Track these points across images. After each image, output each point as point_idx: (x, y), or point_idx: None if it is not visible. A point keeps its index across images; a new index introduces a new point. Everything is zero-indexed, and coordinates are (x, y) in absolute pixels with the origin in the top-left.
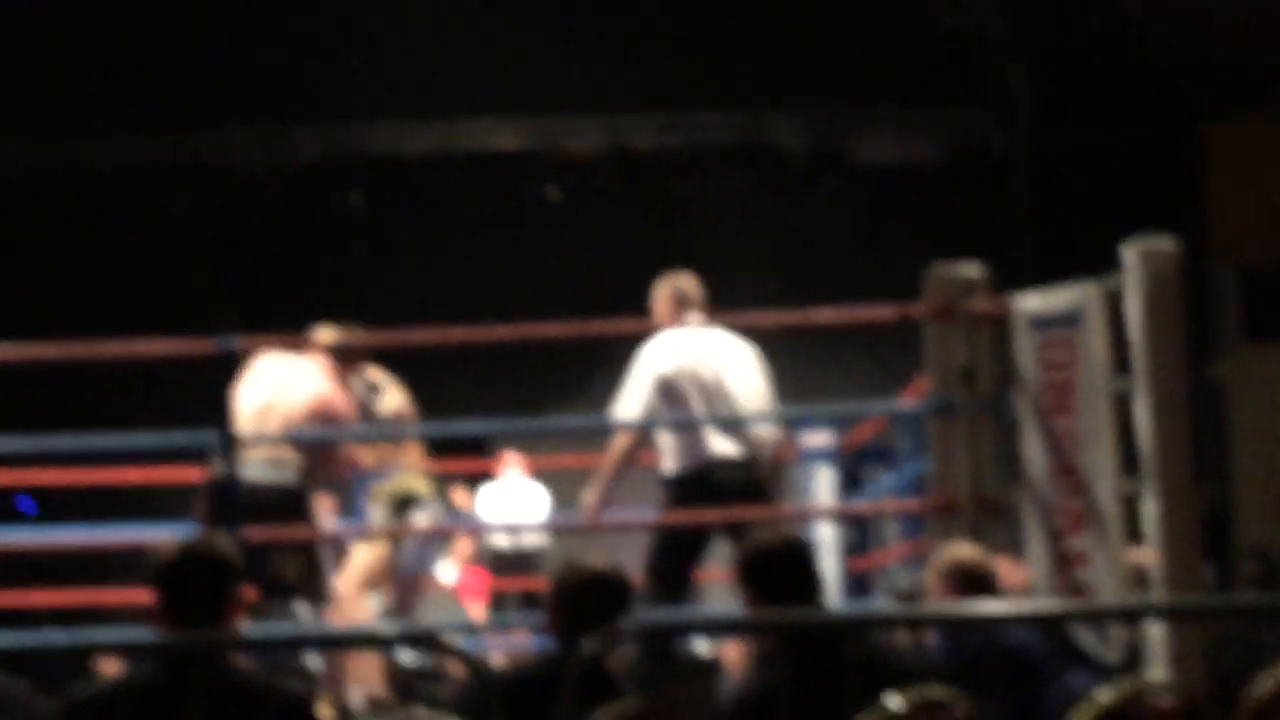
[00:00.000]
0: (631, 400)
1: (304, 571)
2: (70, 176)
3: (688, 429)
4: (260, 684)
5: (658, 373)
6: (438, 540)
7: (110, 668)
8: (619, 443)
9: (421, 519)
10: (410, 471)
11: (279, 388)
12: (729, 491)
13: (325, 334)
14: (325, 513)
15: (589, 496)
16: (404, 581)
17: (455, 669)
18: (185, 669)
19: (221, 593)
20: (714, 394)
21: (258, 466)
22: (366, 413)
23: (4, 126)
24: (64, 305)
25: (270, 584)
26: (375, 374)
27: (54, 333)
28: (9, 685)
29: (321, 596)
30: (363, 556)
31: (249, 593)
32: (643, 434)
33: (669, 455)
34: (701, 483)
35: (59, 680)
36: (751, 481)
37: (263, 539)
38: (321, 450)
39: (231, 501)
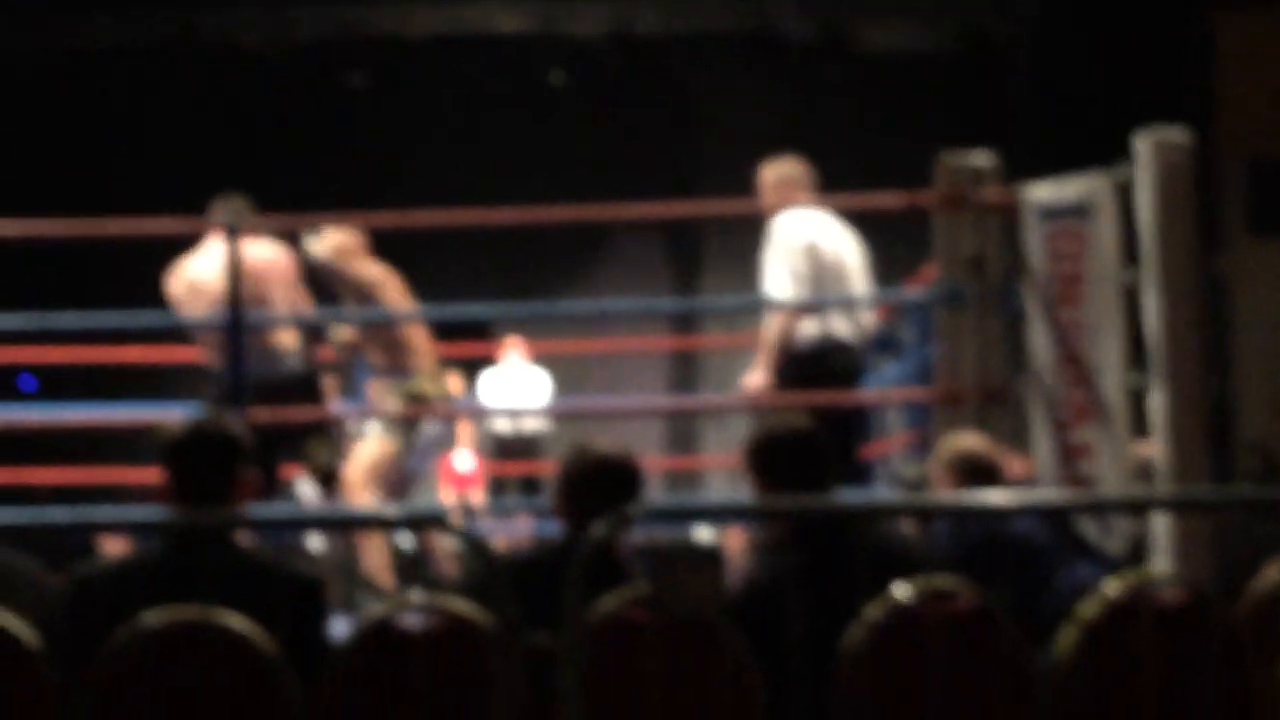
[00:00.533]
0: (793, 277)
1: (330, 455)
2: (69, 54)
3: (825, 306)
4: (269, 564)
5: (808, 246)
6: (444, 441)
7: (113, 546)
8: (780, 321)
9: (429, 427)
10: (423, 374)
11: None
12: (845, 375)
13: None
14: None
15: (755, 378)
16: (402, 479)
17: (447, 552)
18: (194, 548)
19: (230, 472)
20: (839, 275)
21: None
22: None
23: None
24: (66, 184)
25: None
26: (374, 268)
27: (57, 211)
28: (17, 562)
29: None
30: (372, 449)
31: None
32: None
33: (800, 330)
34: (819, 362)
35: (62, 558)
36: (859, 368)
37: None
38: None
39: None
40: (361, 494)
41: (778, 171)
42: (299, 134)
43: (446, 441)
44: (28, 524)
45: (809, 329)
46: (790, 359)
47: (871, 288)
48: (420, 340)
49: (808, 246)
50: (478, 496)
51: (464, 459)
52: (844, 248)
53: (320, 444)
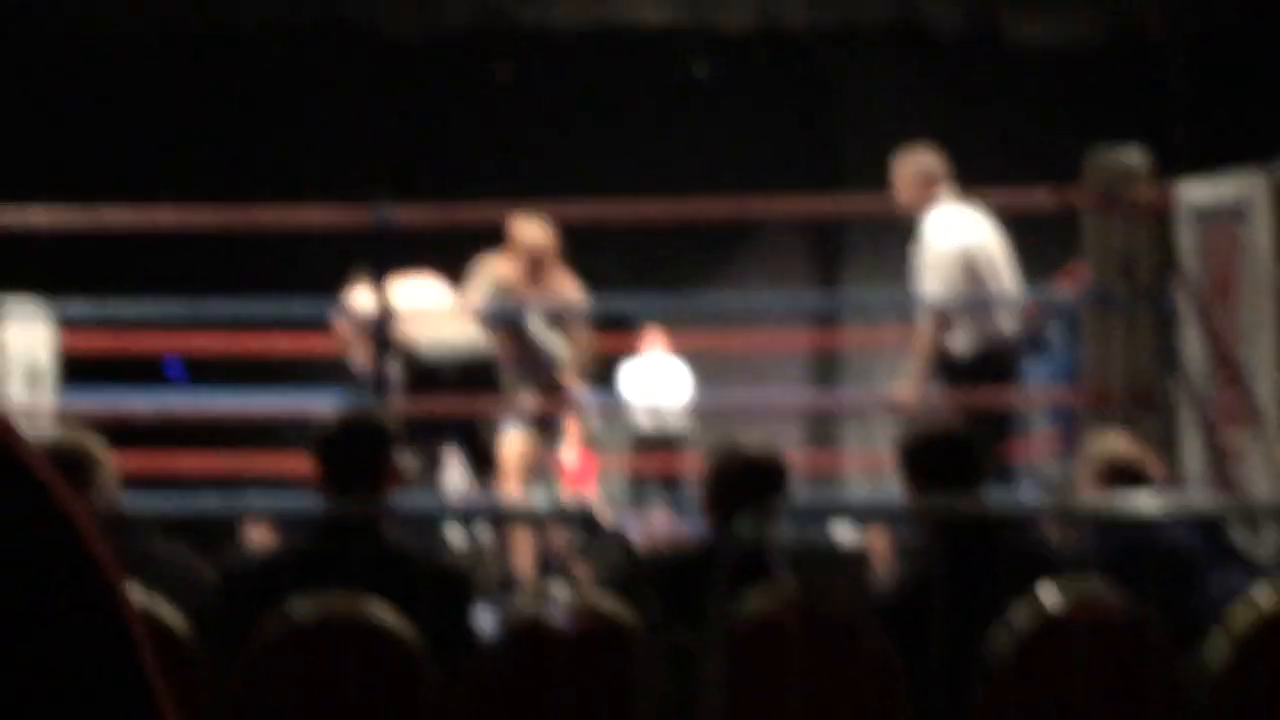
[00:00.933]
0: (946, 284)
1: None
2: (218, 36)
3: (981, 307)
4: (417, 556)
5: (963, 252)
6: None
7: (257, 534)
8: (930, 331)
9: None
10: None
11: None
12: (1003, 375)
13: (524, 229)
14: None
15: (906, 386)
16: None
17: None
18: (342, 537)
19: (379, 463)
20: (992, 273)
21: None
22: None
23: None
24: (214, 168)
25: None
26: (564, 273)
27: (206, 197)
28: (167, 550)
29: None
30: (517, 442)
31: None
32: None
33: (959, 333)
34: (988, 361)
35: (208, 544)
36: (1016, 366)
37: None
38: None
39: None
40: (515, 486)
41: (915, 164)
42: (445, 123)
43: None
44: (178, 512)
45: (964, 333)
46: (948, 365)
47: (1019, 282)
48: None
49: (961, 252)
50: (590, 492)
51: (568, 454)
52: (992, 244)
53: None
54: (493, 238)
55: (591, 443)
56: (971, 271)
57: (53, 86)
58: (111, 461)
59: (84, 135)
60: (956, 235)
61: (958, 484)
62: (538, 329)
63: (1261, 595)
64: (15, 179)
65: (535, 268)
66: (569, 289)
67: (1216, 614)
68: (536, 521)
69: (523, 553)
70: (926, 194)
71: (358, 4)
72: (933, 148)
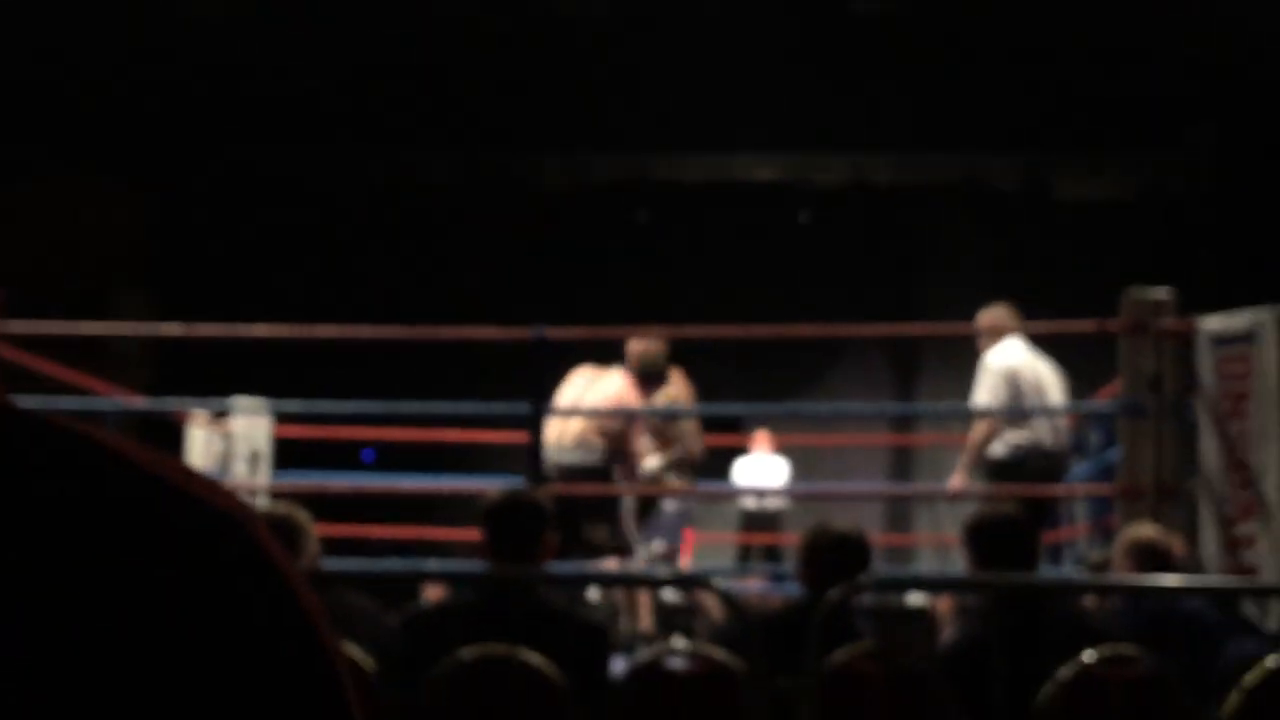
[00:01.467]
0: (993, 395)
1: (609, 535)
2: (412, 187)
3: (1022, 418)
4: (564, 611)
5: (1010, 371)
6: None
7: (434, 593)
8: (980, 432)
9: (669, 505)
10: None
11: (589, 388)
12: (1043, 476)
13: (635, 343)
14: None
15: (957, 480)
16: (669, 549)
17: (712, 608)
18: (503, 595)
19: (536, 535)
20: (1038, 393)
21: (569, 451)
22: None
23: (363, 145)
24: (406, 295)
25: (584, 546)
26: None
27: (395, 318)
28: (359, 600)
29: (626, 552)
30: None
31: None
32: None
33: (999, 441)
34: (1017, 467)
35: (394, 601)
36: (1058, 470)
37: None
38: (621, 435)
39: (538, 465)
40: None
41: (990, 315)
42: (593, 261)
43: (688, 518)
44: (368, 572)
45: (1011, 439)
46: (992, 463)
47: (1067, 402)
48: (687, 433)
49: (1008, 371)
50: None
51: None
52: (1043, 372)
53: (600, 526)
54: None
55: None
56: (1013, 390)
57: (279, 228)
58: (314, 530)
59: (303, 267)
60: (1006, 358)
61: (1011, 560)
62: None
63: (1270, 659)
64: (246, 302)
65: (644, 378)
66: (680, 392)
67: (1231, 675)
68: (658, 585)
69: (644, 611)
70: (998, 338)
71: (523, 164)
72: (1006, 302)
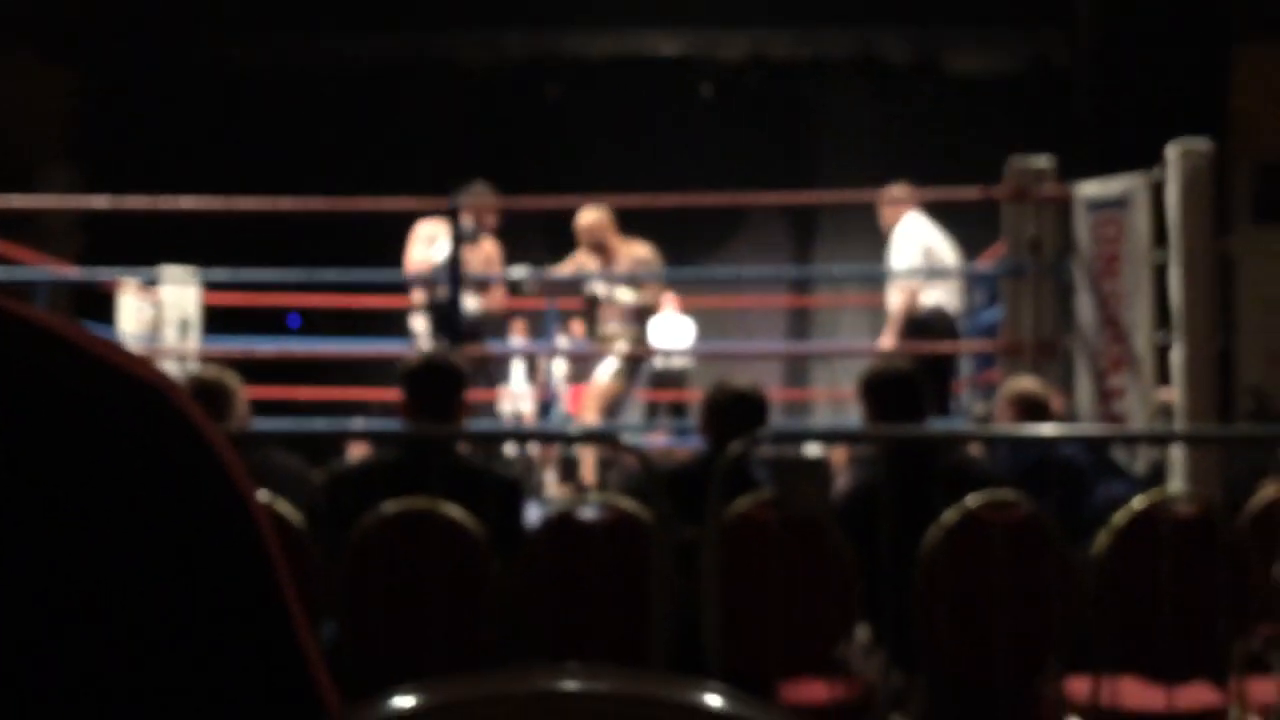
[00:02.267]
0: (909, 261)
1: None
2: (330, 68)
3: (938, 281)
4: (481, 467)
5: (924, 241)
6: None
7: (358, 450)
8: (903, 301)
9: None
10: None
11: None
12: (949, 335)
13: (584, 216)
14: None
15: (886, 340)
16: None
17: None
18: (423, 452)
19: (453, 395)
20: (943, 261)
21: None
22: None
23: (287, 27)
24: (326, 171)
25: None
26: (625, 241)
27: (320, 192)
28: (288, 459)
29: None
30: (602, 386)
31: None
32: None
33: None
34: (932, 326)
35: (320, 458)
36: (958, 331)
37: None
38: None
39: (456, 327)
40: (592, 416)
41: (891, 193)
42: (506, 135)
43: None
44: (295, 431)
45: (925, 302)
46: (910, 323)
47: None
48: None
49: (923, 241)
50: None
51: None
52: (944, 246)
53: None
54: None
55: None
56: (929, 256)
57: (201, 107)
58: (243, 392)
59: (226, 141)
60: (919, 230)
61: (904, 412)
62: (605, 292)
63: (1137, 501)
64: (174, 176)
65: (597, 246)
66: (638, 253)
67: (1101, 515)
68: (572, 441)
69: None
70: (900, 214)
71: (438, 43)
72: (905, 180)
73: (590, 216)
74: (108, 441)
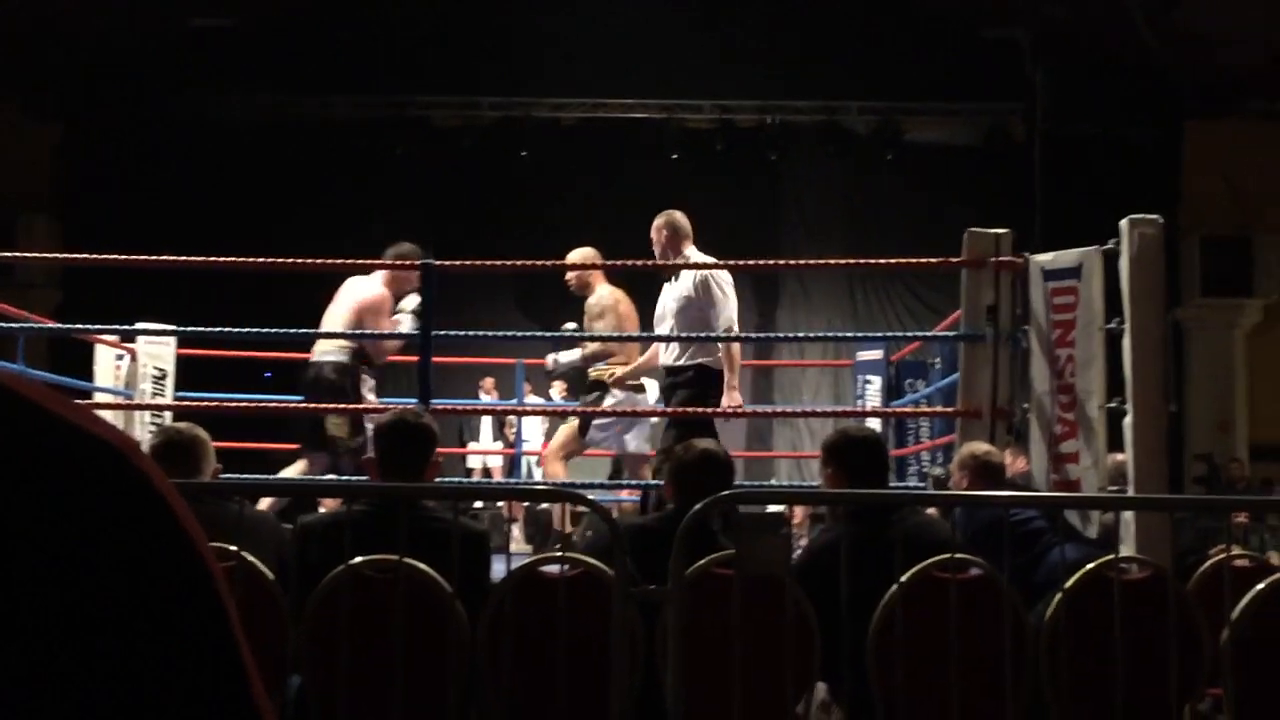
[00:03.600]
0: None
1: (349, 430)
2: (315, 125)
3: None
4: (448, 521)
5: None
6: (626, 424)
7: (330, 504)
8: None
9: (607, 402)
10: (610, 367)
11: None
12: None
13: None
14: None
15: (735, 394)
16: (631, 459)
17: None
18: (391, 507)
19: (424, 454)
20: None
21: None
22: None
23: (270, 87)
24: (302, 226)
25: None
26: (606, 291)
27: (294, 247)
28: (259, 514)
29: (360, 452)
30: (563, 432)
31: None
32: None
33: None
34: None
35: (292, 512)
36: None
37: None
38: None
39: (427, 387)
40: (554, 467)
41: (673, 220)
42: (482, 192)
43: (625, 425)
44: (267, 484)
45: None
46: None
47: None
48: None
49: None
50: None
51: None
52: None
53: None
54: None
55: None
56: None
57: (181, 163)
58: (211, 447)
59: (206, 199)
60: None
61: (870, 477)
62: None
63: (1089, 564)
64: (154, 230)
65: (581, 284)
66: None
67: (1056, 578)
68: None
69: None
70: (683, 247)
71: (417, 105)
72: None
73: (578, 254)
74: (66, 497)
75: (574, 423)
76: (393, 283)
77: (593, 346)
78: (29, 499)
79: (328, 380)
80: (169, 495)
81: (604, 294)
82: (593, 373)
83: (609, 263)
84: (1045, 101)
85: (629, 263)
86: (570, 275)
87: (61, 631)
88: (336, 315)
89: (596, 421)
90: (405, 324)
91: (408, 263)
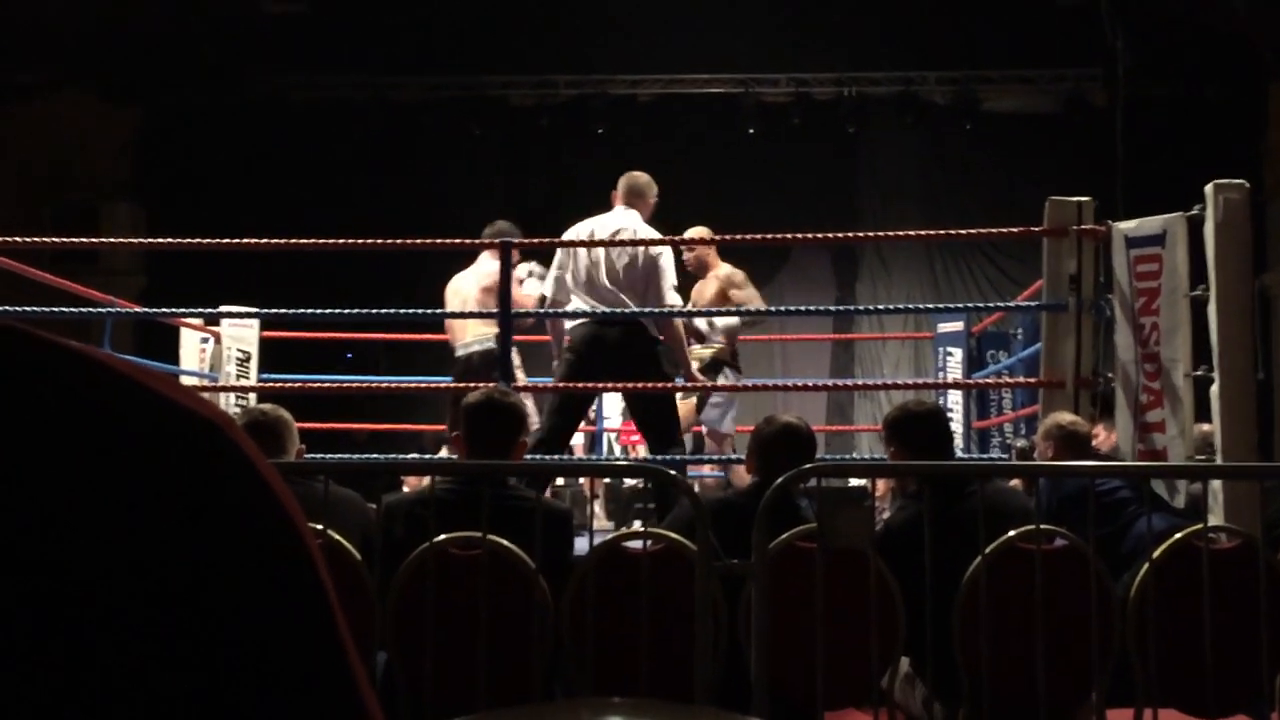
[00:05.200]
0: None
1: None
2: (391, 107)
3: None
4: (532, 499)
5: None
6: (734, 402)
7: (412, 483)
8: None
9: (722, 380)
10: (722, 345)
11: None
12: None
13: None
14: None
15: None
16: (717, 435)
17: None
18: (475, 485)
19: (512, 434)
20: None
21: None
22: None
23: (345, 67)
24: (385, 209)
25: None
26: (727, 267)
27: (376, 231)
28: (344, 493)
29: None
30: (680, 407)
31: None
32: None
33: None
34: None
35: (375, 491)
36: None
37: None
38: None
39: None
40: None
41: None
42: (557, 170)
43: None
44: (349, 463)
45: None
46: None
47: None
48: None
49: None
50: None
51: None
52: None
53: None
54: None
55: None
56: None
57: (261, 146)
58: (295, 427)
59: (285, 181)
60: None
61: (933, 449)
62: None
63: (1176, 534)
64: (234, 212)
65: (699, 263)
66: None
67: (1143, 548)
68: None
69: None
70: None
71: (495, 84)
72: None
73: (694, 232)
74: (165, 474)
75: (692, 400)
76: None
77: (733, 320)
78: (129, 475)
79: (477, 369)
80: (266, 470)
81: (728, 269)
82: (706, 351)
83: (723, 238)
84: (1125, 66)
85: (744, 237)
86: (688, 255)
87: (159, 609)
88: (464, 303)
89: (712, 400)
90: (531, 286)
91: (487, 241)
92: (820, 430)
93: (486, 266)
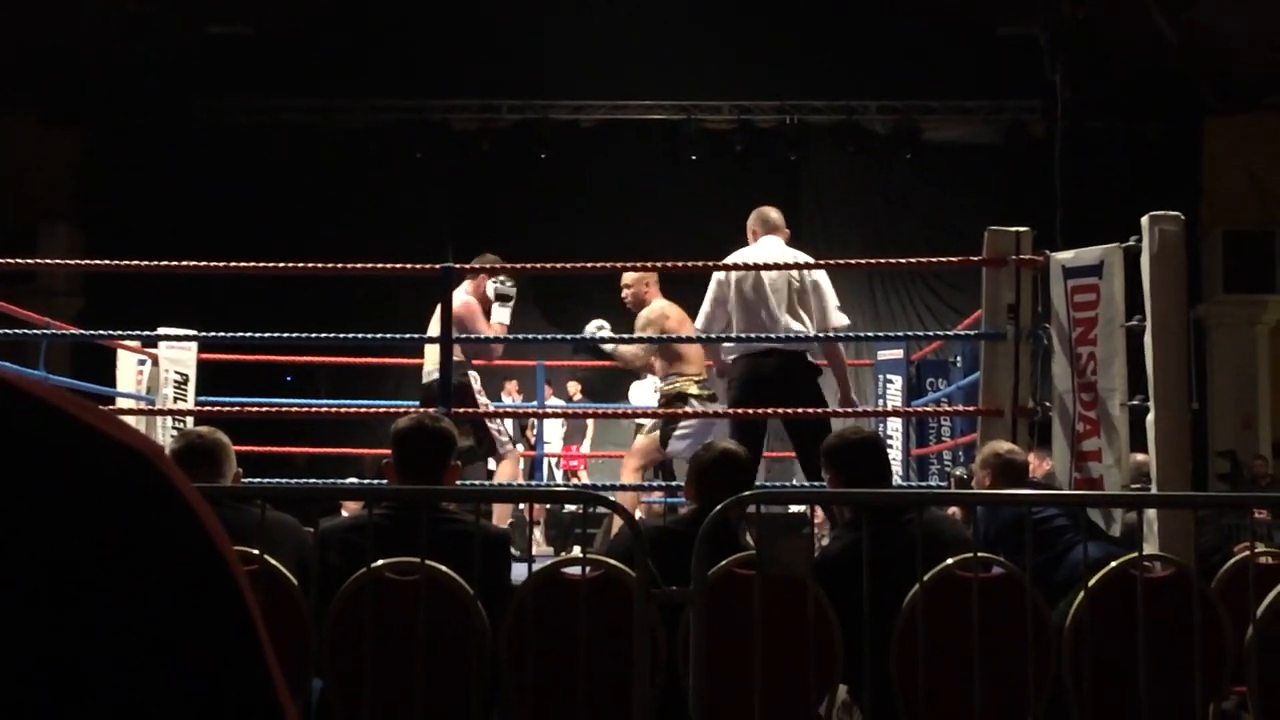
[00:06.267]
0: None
1: (476, 436)
2: (334, 130)
3: None
4: (469, 524)
5: None
6: (707, 431)
7: (351, 507)
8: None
9: (687, 422)
10: (686, 377)
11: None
12: None
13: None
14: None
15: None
16: (681, 464)
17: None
18: (412, 511)
19: (443, 458)
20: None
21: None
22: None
23: (287, 91)
24: (323, 232)
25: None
26: (658, 305)
27: (315, 251)
28: (281, 518)
29: (497, 455)
30: (639, 441)
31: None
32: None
33: None
34: None
35: (314, 515)
36: None
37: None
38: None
39: (448, 390)
40: (629, 477)
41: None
42: (500, 195)
43: (709, 430)
44: (286, 488)
45: None
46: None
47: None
48: (693, 352)
49: None
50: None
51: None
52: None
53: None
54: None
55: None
56: None
57: (200, 169)
58: (232, 451)
59: (225, 204)
60: None
61: (872, 477)
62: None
63: (1111, 562)
64: (173, 235)
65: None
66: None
67: (1078, 576)
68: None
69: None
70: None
71: (437, 109)
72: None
73: (632, 277)
74: (89, 505)
75: (655, 434)
76: (476, 290)
77: (625, 353)
78: (55, 506)
79: (438, 397)
80: (194, 500)
81: (655, 308)
82: (668, 387)
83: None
84: (1064, 99)
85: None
86: (626, 293)
87: (86, 637)
88: (432, 333)
89: (678, 432)
90: (498, 313)
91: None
92: (766, 456)
93: (456, 299)
